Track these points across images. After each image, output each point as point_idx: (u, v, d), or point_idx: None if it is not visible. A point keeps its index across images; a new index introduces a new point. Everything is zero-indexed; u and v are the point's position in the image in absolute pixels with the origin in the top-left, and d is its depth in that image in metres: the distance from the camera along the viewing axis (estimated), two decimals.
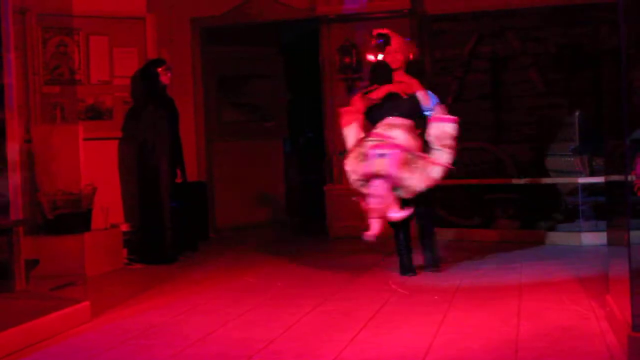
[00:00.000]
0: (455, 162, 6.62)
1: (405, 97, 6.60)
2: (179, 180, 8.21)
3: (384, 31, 6.88)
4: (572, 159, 8.43)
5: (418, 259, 6.83)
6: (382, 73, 6.77)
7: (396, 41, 6.82)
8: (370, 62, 7.09)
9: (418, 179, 6.38)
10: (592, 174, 8.30)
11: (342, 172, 7.31)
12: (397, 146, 6.40)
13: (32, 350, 4.72)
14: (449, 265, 7.01)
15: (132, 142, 8.20)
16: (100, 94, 8.25)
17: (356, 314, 5.33)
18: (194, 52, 10.02)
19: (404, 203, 6.44)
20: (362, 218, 6.71)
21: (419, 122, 6.68)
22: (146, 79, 8.19)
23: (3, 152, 5.87)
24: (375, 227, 6.38)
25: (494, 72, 9.47)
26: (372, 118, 6.69)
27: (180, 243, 8.21)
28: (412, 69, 6.84)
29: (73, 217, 7.33)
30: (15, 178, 5.93)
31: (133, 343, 4.84)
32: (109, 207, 7.90)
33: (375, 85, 6.71)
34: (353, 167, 6.54)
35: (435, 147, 6.52)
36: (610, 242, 6.28)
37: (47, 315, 5.09)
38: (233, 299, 6.10)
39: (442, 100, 6.82)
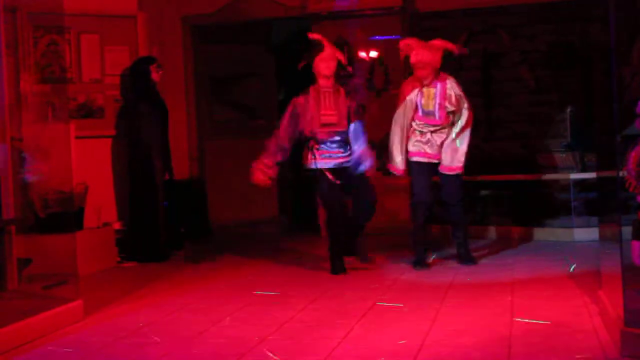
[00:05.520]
0: None
1: None
2: (165, 177, 8.20)
3: (318, 37, 6.95)
4: (564, 155, 8.44)
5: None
6: None
7: (330, 49, 6.88)
8: (362, 59, 7.09)
9: None
10: (583, 170, 8.32)
11: None
12: None
13: (24, 349, 4.71)
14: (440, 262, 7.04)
15: (124, 141, 8.19)
16: (91, 92, 8.23)
17: (348, 311, 5.32)
18: (186, 50, 9.99)
19: None
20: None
21: None
22: (137, 77, 8.17)
23: None
24: None
25: (484, 69, 9.47)
26: None
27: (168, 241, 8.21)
28: None
29: (65, 216, 7.30)
30: (6, 177, 5.91)
31: (125, 342, 4.83)
32: (101, 206, 7.89)
33: None
34: None
35: None
36: (602, 238, 6.31)
37: (39, 314, 5.08)
38: (225, 297, 6.09)
39: None
